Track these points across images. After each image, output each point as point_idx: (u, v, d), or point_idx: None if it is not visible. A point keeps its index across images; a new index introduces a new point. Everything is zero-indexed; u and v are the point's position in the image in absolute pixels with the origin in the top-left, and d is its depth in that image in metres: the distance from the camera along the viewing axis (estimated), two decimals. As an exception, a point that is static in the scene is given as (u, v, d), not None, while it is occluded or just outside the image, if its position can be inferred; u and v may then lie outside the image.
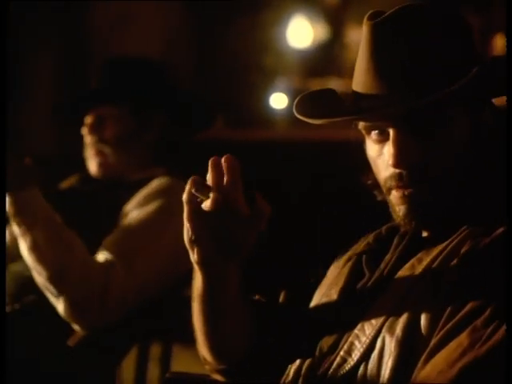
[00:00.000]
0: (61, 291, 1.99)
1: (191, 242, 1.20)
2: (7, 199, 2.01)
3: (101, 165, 2.31)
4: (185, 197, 1.18)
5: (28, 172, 2.04)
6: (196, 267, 1.24)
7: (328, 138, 3.60)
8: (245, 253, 1.23)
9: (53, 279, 1.99)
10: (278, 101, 4.77)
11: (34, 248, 2.00)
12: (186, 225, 1.20)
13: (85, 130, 2.32)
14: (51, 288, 2.01)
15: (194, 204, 1.18)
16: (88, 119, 2.32)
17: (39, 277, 2.02)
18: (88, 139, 2.32)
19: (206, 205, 1.16)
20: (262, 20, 4.99)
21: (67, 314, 2.00)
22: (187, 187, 1.17)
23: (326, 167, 3.77)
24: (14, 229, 2.04)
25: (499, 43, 4.35)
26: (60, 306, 2.01)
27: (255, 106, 4.86)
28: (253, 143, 4.39)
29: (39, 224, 2.02)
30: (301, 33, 4.94)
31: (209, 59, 4.96)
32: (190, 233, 1.20)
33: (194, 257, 1.22)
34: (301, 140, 4.17)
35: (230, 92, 4.92)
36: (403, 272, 1.26)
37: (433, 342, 1.13)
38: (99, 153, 2.30)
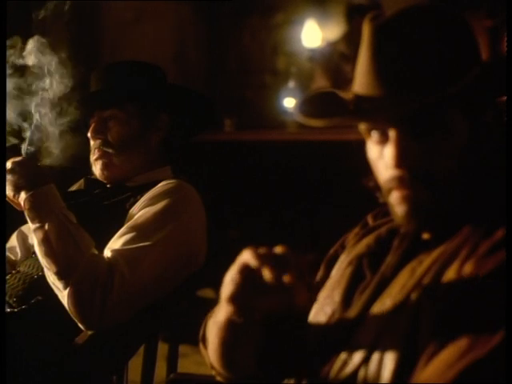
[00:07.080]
0: (66, 286, 2.01)
1: (231, 296, 1.19)
2: (24, 197, 2.08)
3: (105, 167, 2.31)
4: (254, 262, 1.16)
5: (46, 170, 2.15)
6: (223, 303, 1.23)
7: (341, 139, 3.60)
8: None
9: (60, 274, 2.02)
10: (290, 102, 4.76)
11: (45, 241, 2.05)
12: (234, 277, 1.18)
13: (89, 133, 2.32)
14: (58, 283, 2.03)
15: (251, 271, 1.16)
16: (92, 122, 2.32)
17: (48, 271, 2.05)
18: (92, 142, 2.32)
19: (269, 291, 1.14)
20: (275, 22, 4.99)
21: (70, 310, 2.02)
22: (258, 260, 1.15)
23: (337, 169, 3.77)
24: (30, 225, 2.09)
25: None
26: (65, 301, 2.02)
27: (267, 107, 4.85)
28: (264, 145, 4.39)
29: (53, 218, 2.07)
30: (313, 35, 4.93)
31: (220, 61, 4.97)
32: (232, 286, 1.18)
33: (227, 308, 1.21)
34: (312, 142, 4.17)
35: (241, 93, 4.93)
36: (404, 274, 1.25)
37: (432, 344, 1.13)
38: (104, 155, 2.30)
